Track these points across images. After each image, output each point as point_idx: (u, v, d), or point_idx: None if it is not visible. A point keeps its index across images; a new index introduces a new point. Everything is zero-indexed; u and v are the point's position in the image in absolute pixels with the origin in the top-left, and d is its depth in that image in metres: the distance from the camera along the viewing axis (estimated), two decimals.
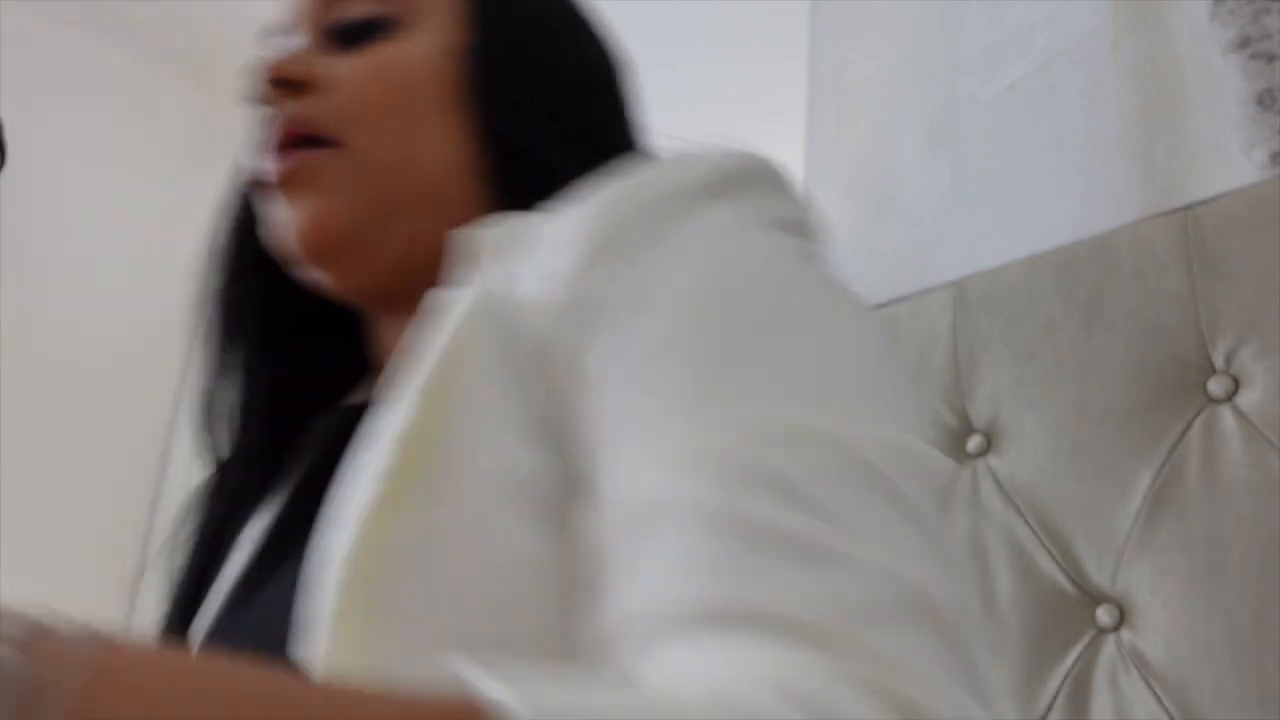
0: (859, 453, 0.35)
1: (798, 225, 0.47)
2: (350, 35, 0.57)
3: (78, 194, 2.56)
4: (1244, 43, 0.87)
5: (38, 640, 0.28)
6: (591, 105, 0.61)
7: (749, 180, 0.47)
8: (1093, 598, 0.81)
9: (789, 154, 1.22)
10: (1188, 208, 0.84)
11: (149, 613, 2.46)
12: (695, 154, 0.48)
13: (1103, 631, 0.80)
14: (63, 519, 2.35)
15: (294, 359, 0.63)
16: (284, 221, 0.55)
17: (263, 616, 0.47)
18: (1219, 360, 0.78)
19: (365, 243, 0.55)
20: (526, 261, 0.45)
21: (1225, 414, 0.77)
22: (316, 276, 0.56)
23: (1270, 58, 0.85)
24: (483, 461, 0.40)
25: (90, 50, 2.66)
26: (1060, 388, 0.87)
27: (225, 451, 0.62)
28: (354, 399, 0.59)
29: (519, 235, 0.47)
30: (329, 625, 0.37)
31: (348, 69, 0.55)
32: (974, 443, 0.91)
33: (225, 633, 0.51)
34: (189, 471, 2.65)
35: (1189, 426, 0.78)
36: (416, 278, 0.55)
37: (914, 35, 1.15)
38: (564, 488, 0.40)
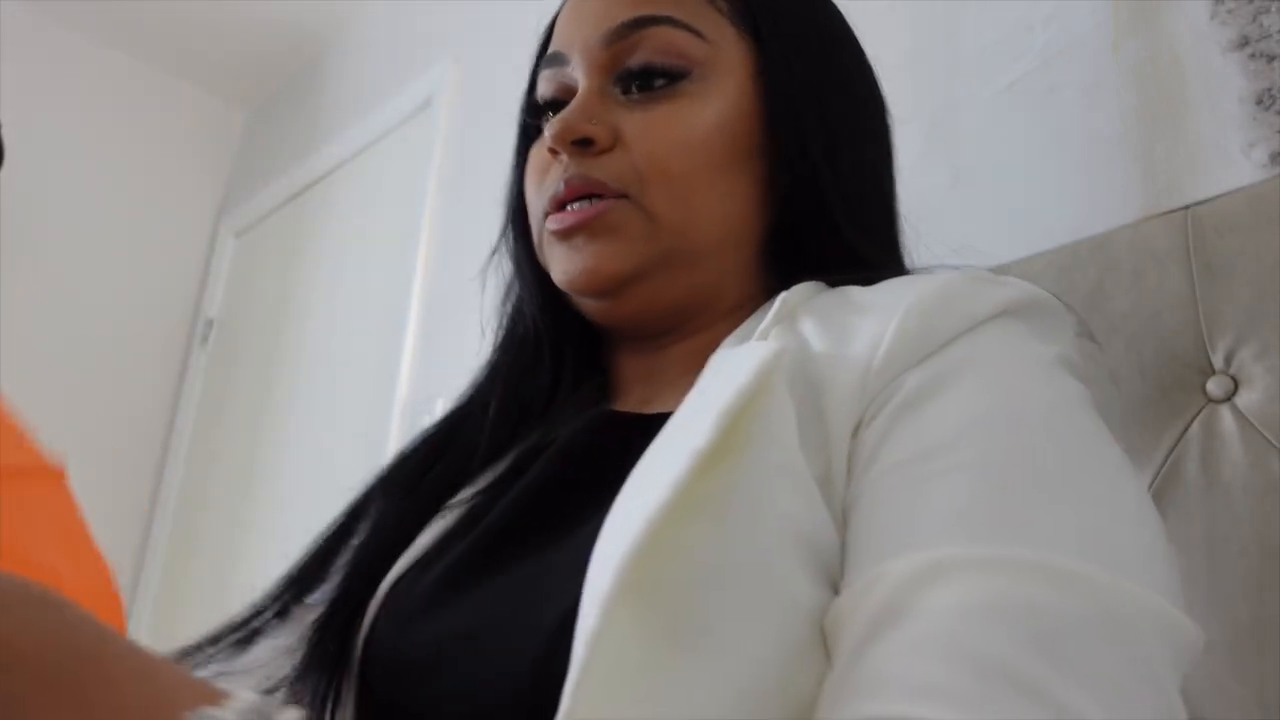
0: (1115, 604, 0.36)
1: (1075, 365, 0.50)
2: (639, 85, 0.59)
3: (78, 194, 2.56)
4: (1244, 42, 0.87)
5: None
6: (867, 201, 0.63)
7: (1046, 314, 0.51)
8: None
9: None
10: (1188, 207, 0.84)
11: (148, 612, 2.46)
12: (998, 278, 0.51)
13: None
14: None
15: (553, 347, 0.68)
16: (569, 262, 0.58)
17: (513, 592, 0.48)
18: (1218, 360, 0.78)
19: (646, 286, 0.58)
20: (825, 334, 0.48)
21: (1225, 414, 0.76)
22: (591, 305, 0.61)
23: (1270, 57, 0.85)
24: (772, 499, 0.42)
25: (91, 51, 2.66)
26: None
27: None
28: (612, 406, 0.63)
29: (831, 305, 0.51)
30: (602, 610, 0.37)
31: (641, 128, 0.57)
32: None
33: (466, 600, 0.51)
34: (188, 471, 2.64)
35: (1188, 426, 0.78)
36: (689, 319, 0.60)
37: (913, 34, 1.15)
38: (838, 553, 0.42)
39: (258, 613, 0.60)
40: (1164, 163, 0.89)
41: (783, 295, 0.53)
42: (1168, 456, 0.79)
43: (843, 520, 0.43)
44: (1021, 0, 1.04)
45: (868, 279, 0.54)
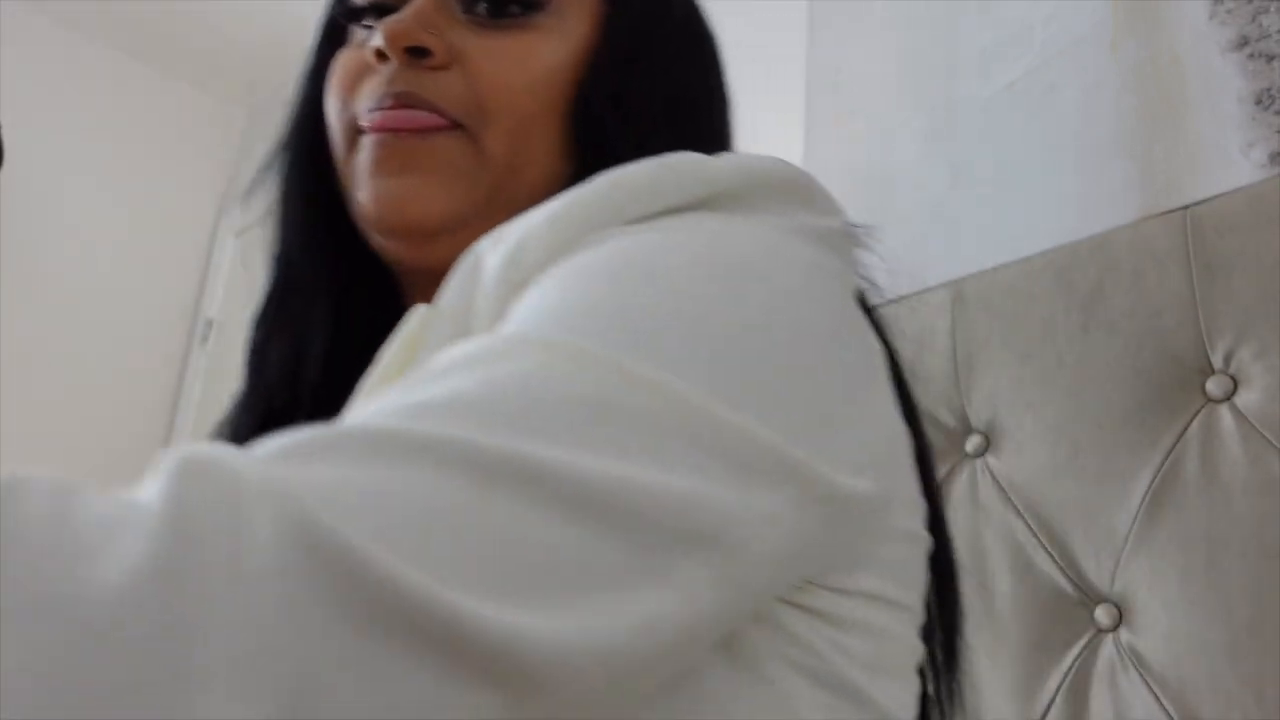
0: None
1: (825, 235, 0.44)
2: (491, 7, 0.53)
3: (77, 194, 2.56)
4: (1243, 42, 0.87)
5: None
6: (695, 143, 0.56)
7: (773, 188, 0.44)
8: (1091, 598, 0.81)
9: (787, 154, 1.22)
10: (1187, 207, 0.84)
11: None
12: (727, 156, 0.45)
13: (1101, 631, 0.80)
14: None
15: (338, 307, 0.59)
16: (383, 191, 0.51)
17: None
18: (1218, 360, 0.78)
19: (462, 231, 0.50)
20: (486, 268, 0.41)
21: (1224, 414, 0.77)
22: (391, 245, 0.53)
23: (1269, 57, 0.85)
24: None
25: (91, 51, 2.66)
26: (1059, 387, 0.87)
27: (253, 390, 0.60)
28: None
29: (492, 244, 0.43)
30: None
31: (487, 53, 0.52)
32: (972, 443, 0.91)
33: None
34: None
35: (1187, 426, 0.78)
36: None
37: (912, 34, 1.15)
38: None
39: None
40: (1163, 163, 0.89)
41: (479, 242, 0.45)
42: (1167, 456, 0.79)
43: None
44: (1021, 0, 1.04)
45: None
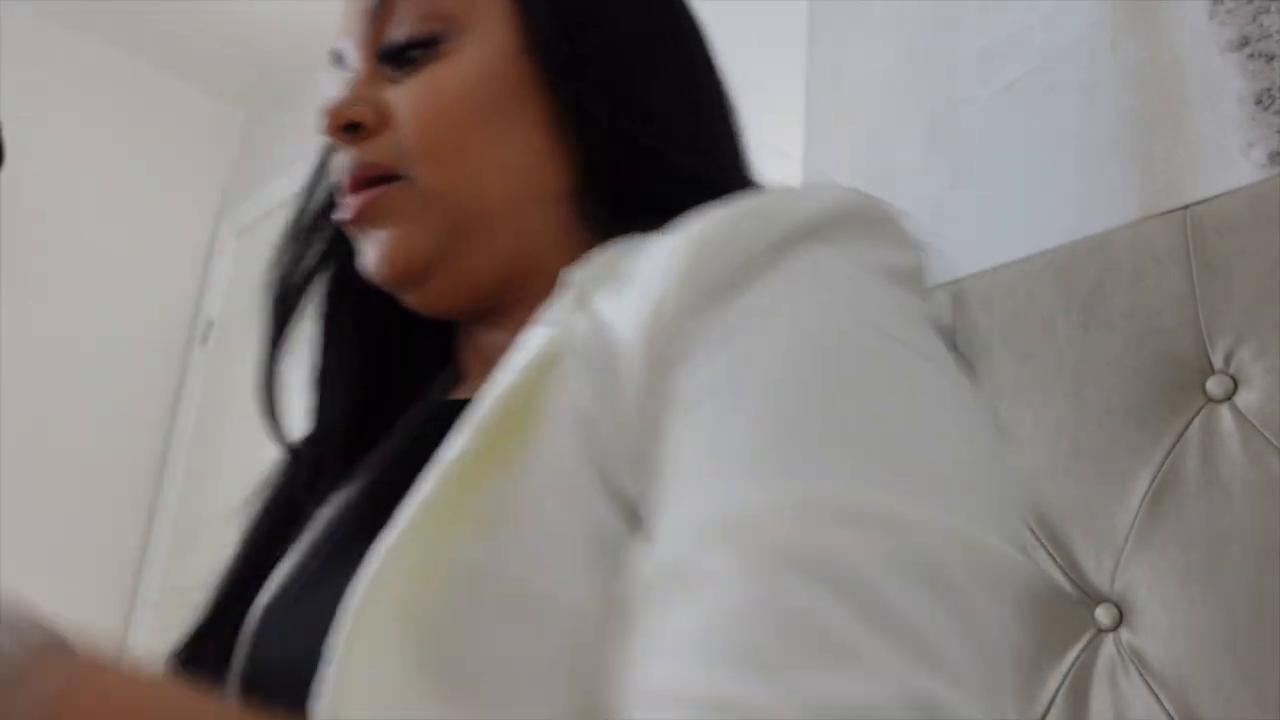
0: (919, 542, 0.33)
1: (909, 274, 0.44)
2: (401, 59, 0.55)
3: (78, 194, 2.56)
4: (1243, 42, 0.87)
5: (41, 645, 0.33)
6: (682, 117, 0.57)
7: (858, 222, 0.44)
8: (1091, 597, 0.81)
9: (787, 154, 1.22)
10: (1187, 207, 0.84)
11: (148, 613, 2.46)
12: (803, 189, 0.45)
13: (1101, 631, 0.80)
14: (60, 518, 2.35)
15: (385, 338, 0.63)
16: (366, 255, 0.55)
17: (310, 617, 0.44)
18: (1218, 360, 0.78)
19: (444, 268, 0.54)
20: (618, 297, 0.43)
21: (1224, 414, 0.77)
22: (405, 299, 0.57)
23: (1269, 57, 0.85)
24: (530, 503, 0.39)
25: (91, 51, 2.66)
26: (1059, 387, 0.87)
27: (293, 431, 0.63)
28: (448, 395, 0.59)
29: (613, 269, 0.45)
30: (341, 650, 0.36)
31: (403, 100, 0.54)
32: None
33: (277, 624, 0.50)
34: (186, 469, 2.63)
35: (1188, 426, 0.78)
36: (510, 292, 0.55)
37: (912, 35, 1.15)
38: (629, 527, 0.38)
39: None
40: (1163, 163, 0.89)
41: (574, 272, 0.47)
42: (1167, 456, 0.79)
43: (642, 482, 0.39)
44: (1021, 0, 1.05)
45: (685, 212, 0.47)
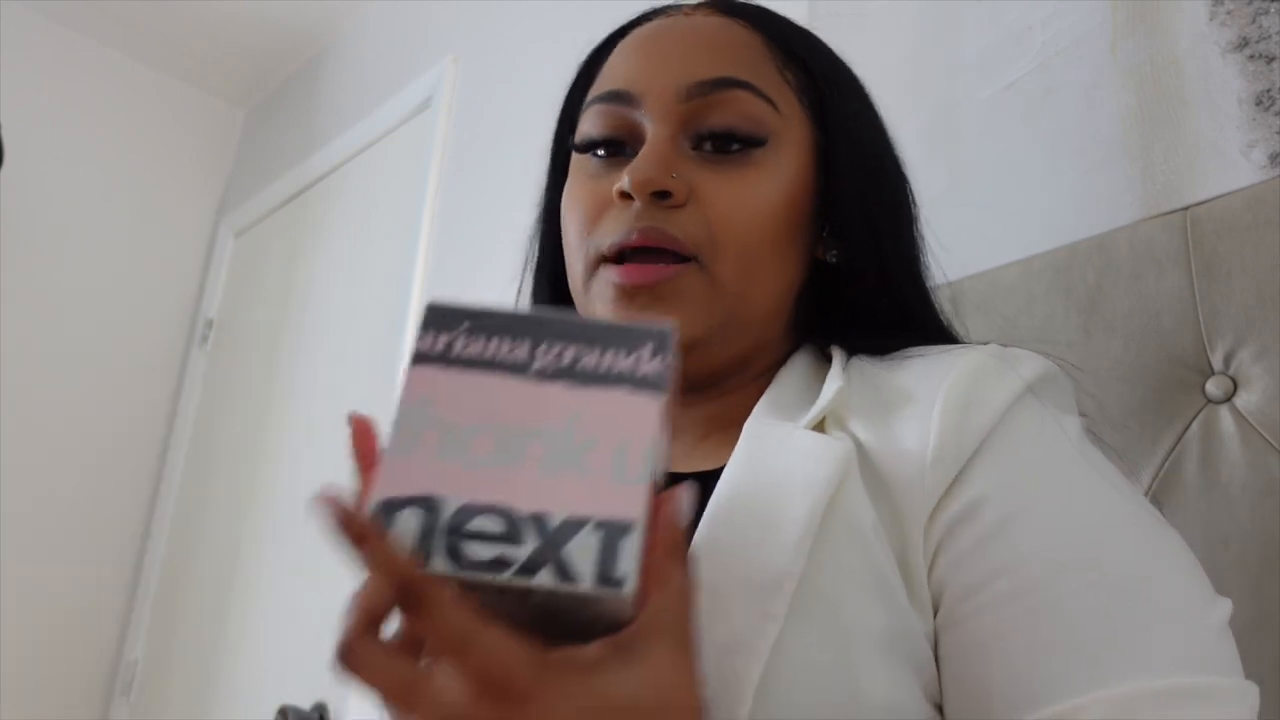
0: (1245, 708, 0.44)
1: (1087, 423, 0.56)
2: (715, 144, 0.59)
3: (77, 194, 2.56)
4: (1243, 44, 0.87)
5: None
6: (906, 244, 0.66)
7: (1055, 382, 0.55)
8: None
9: None
10: (1186, 208, 0.84)
11: (148, 613, 2.46)
12: (1015, 355, 0.55)
13: None
14: (60, 517, 2.35)
15: None
16: (629, 320, 0.60)
17: None
18: (1218, 361, 0.78)
19: (702, 351, 0.59)
20: (878, 427, 0.52)
21: (1224, 415, 0.77)
22: None
23: (1269, 58, 0.85)
24: (855, 601, 0.46)
25: (91, 51, 2.66)
26: None
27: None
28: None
29: (878, 392, 0.54)
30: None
31: (722, 192, 0.58)
32: None
33: None
34: (188, 471, 2.63)
35: (1187, 427, 0.78)
36: (732, 376, 0.62)
37: (912, 35, 1.15)
38: (923, 641, 0.47)
39: None
40: (1163, 164, 0.89)
41: (831, 390, 0.55)
42: (1167, 457, 0.79)
43: (928, 608, 0.48)
44: (1021, 1, 1.05)
45: (886, 345, 0.58)
